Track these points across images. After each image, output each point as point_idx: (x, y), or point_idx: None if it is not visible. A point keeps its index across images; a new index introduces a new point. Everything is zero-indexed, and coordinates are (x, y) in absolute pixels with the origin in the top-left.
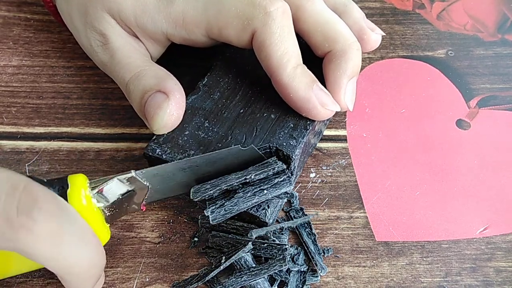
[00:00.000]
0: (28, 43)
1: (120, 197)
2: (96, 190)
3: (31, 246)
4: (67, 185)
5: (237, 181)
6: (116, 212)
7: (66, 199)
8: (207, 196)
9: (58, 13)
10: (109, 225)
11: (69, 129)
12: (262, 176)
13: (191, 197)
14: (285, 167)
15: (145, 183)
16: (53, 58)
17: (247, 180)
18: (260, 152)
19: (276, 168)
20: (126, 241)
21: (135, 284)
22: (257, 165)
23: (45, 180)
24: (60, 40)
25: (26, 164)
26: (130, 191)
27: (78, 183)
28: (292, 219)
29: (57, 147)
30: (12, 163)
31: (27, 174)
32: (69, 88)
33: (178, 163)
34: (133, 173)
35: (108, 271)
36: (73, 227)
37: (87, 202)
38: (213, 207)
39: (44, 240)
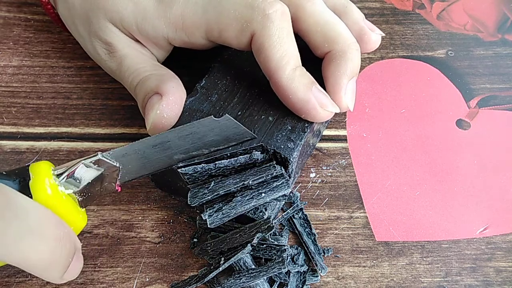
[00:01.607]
0: (28, 44)
1: (90, 181)
2: (63, 176)
3: None
4: (29, 175)
5: (235, 186)
6: (89, 196)
7: (28, 190)
8: (204, 201)
9: (60, 20)
10: (84, 209)
11: (69, 129)
12: (260, 180)
13: (188, 202)
14: (283, 171)
15: (115, 164)
16: (53, 58)
17: (245, 185)
18: (236, 121)
19: (274, 173)
20: (126, 241)
21: (135, 284)
22: (255, 169)
23: (4, 172)
24: (60, 40)
25: (26, 164)
26: (100, 174)
27: (41, 172)
28: (292, 219)
29: (57, 147)
30: (12, 163)
31: None
32: (69, 88)
33: (147, 140)
34: (99, 156)
35: (108, 271)
36: (22, 223)
37: (53, 190)
38: (211, 211)
39: None
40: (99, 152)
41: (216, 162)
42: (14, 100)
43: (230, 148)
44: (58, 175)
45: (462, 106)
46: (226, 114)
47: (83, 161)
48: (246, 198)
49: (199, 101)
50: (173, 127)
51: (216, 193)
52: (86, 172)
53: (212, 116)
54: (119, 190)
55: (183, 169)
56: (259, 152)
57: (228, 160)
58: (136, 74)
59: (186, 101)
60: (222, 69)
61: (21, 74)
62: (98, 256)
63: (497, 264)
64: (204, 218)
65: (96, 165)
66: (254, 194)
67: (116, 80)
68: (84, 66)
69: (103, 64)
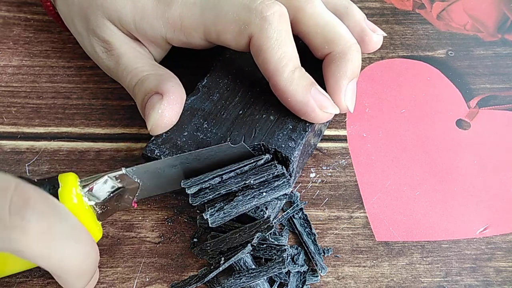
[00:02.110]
0: (28, 43)
1: (111, 194)
2: (87, 188)
3: (24, 245)
4: (58, 184)
5: (237, 185)
6: (107, 209)
7: (57, 198)
8: (206, 201)
9: (60, 18)
10: (101, 222)
11: (69, 129)
12: (261, 179)
13: (190, 202)
14: (284, 170)
15: (135, 180)
16: (53, 58)
17: (247, 184)
18: (250, 149)
19: (275, 172)
20: (126, 241)
21: (135, 284)
22: (257, 168)
23: (36, 180)
24: (60, 40)
25: (26, 164)
26: (120, 188)
27: (69, 182)
28: (292, 220)
29: (57, 147)
30: (12, 163)
31: (28, 174)
32: (69, 88)
33: (169, 159)
34: (123, 171)
35: (108, 271)
36: (65, 225)
37: (78, 200)
38: (212, 210)
39: (36, 239)
40: (123, 168)
41: (223, 174)
42: (14, 100)
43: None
44: (83, 186)
45: (462, 106)
46: (242, 143)
47: (108, 174)
48: (248, 198)
49: (200, 100)
50: (174, 126)
51: (217, 193)
52: (108, 186)
53: (230, 143)
54: (135, 206)
55: (190, 189)
56: (264, 155)
57: (234, 171)
58: (134, 74)
59: (187, 100)
60: (223, 68)
61: (21, 74)
62: None
63: (497, 264)
64: (205, 218)
65: (119, 180)
66: (255, 193)
67: (114, 78)
68: (84, 66)
69: (101, 63)
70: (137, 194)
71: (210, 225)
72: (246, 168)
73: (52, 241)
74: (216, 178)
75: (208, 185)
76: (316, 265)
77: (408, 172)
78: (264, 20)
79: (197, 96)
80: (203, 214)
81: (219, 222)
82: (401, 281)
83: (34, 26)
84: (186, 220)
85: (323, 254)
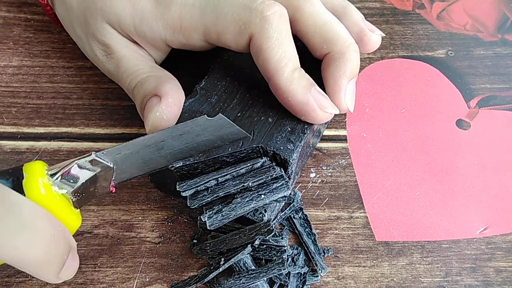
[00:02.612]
0: (28, 44)
1: (84, 181)
2: (57, 176)
3: None
4: (22, 175)
5: (235, 188)
6: (83, 196)
7: (22, 190)
8: (204, 203)
9: (58, 20)
10: (79, 209)
11: (69, 129)
12: (260, 181)
13: (188, 204)
14: (283, 173)
15: (108, 164)
16: (53, 58)
17: (245, 186)
18: (229, 120)
19: (274, 174)
20: (126, 241)
21: (135, 284)
22: (255, 170)
23: None
24: (60, 41)
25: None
26: (94, 173)
27: (35, 172)
28: (292, 220)
29: (57, 147)
30: (12, 163)
31: None
32: (69, 88)
33: (141, 139)
34: (93, 155)
35: (108, 271)
36: (15, 218)
37: (46, 190)
38: (210, 213)
39: None
40: (93, 152)
41: (218, 177)
42: (14, 100)
43: (228, 149)
44: (52, 175)
45: (462, 106)
46: (220, 114)
47: (77, 161)
48: (246, 200)
49: (198, 102)
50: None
51: (216, 195)
52: (80, 172)
53: (206, 115)
54: (113, 191)
55: (186, 192)
56: (262, 159)
57: (230, 174)
58: (134, 76)
59: (185, 102)
60: (221, 70)
61: (21, 74)
62: (98, 256)
63: (497, 264)
64: (203, 220)
65: (90, 165)
66: (253, 195)
67: (114, 81)
68: (84, 66)
69: (101, 66)
70: (113, 178)
71: (208, 228)
72: (242, 171)
73: (1, 236)
74: (212, 181)
75: (204, 187)
76: (316, 265)
77: (408, 172)
78: (264, 20)
79: (195, 98)
80: (201, 216)
81: (217, 224)
82: (401, 281)
83: (34, 27)
84: (186, 220)
85: (323, 254)
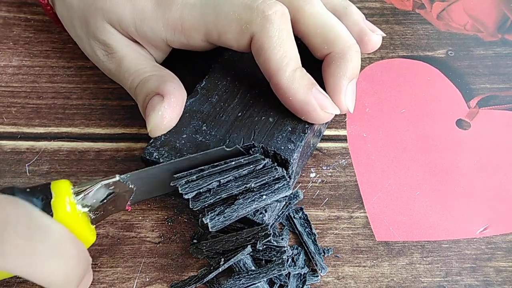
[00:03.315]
0: (28, 44)
1: (105, 200)
2: (81, 195)
3: (5, 264)
4: (51, 194)
5: (237, 189)
6: (102, 214)
7: (50, 208)
8: (206, 205)
9: (59, 20)
10: (94, 226)
11: (69, 129)
12: (262, 182)
13: (190, 206)
14: (284, 173)
15: (130, 186)
16: (53, 58)
17: (247, 188)
18: (244, 151)
19: (276, 175)
20: (126, 241)
21: (135, 284)
22: (257, 171)
23: (28, 190)
24: (60, 40)
25: (26, 164)
26: (114, 194)
27: (62, 191)
28: (292, 219)
29: (57, 147)
30: (12, 163)
31: (28, 174)
32: (69, 88)
33: (164, 165)
34: (117, 178)
35: (108, 271)
36: (47, 243)
37: (71, 209)
38: (212, 214)
39: (17, 259)
40: (117, 174)
41: (221, 179)
42: (14, 100)
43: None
44: (77, 193)
45: (462, 106)
46: (237, 146)
47: (102, 182)
48: (248, 201)
49: (199, 102)
50: (173, 128)
51: (218, 196)
52: (102, 193)
53: (224, 147)
54: (129, 209)
55: (188, 194)
56: (264, 160)
57: (232, 175)
58: (136, 75)
59: (186, 102)
60: (222, 70)
61: (21, 74)
62: (98, 256)
63: (497, 264)
64: (205, 222)
65: (113, 187)
66: (255, 196)
67: (115, 81)
68: (84, 66)
69: (102, 65)
70: (131, 199)
71: (210, 229)
72: (244, 172)
73: (32, 260)
74: (214, 183)
75: (206, 189)
76: (316, 265)
77: (408, 172)
78: (265, 19)
79: (195, 98)
80: (203, 218)
81: (219, 226)
82: (401, 281)
83: (34, 26)
84: (186, 220)
85: (323, 254)
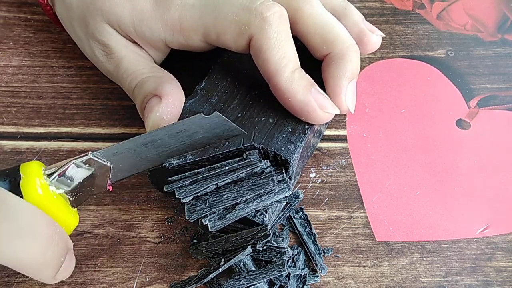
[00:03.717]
0: (28, 43)
1: (81, 180)
2: (54, 176)
3: None
4: (19, 176)
5: (234, 201)
6: (81, 195)
7: (19, 190)
8: (202, 217)
9: (58, 20)
10: (76, 208)
11: (69, 129)
12: (263, 190)
13: (186, 218)
14: (285, 176)
15: (105, 163)
16: (53, 58)
17: (245, 199)
18: (224, 118)
19: (276, 179)
20: (126, 241)
21: (135, 284)
22: (256, 177)
23: None
24: (60, 40)
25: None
26: (90, 173)
27: (32, 172)
28: (292, 220)
29: (57, 147)
30: (12, 163)
31: None
32: (69, 88)
33: (138, 138)
34: (90, 155)
35: (108, 271)
36: (13, 222)
37: (44, 190)
38: (212, 216)
39: None
40: (89, 152)
41: (218, 182)
42: (14, 100)
43: (221, 146)
44: (49, 175)
45: (462, 106)
46: (216, 111)
47: (73, 161)
48: (248, 204)
49: (199, 103)
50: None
51: (214, 209)
52: (77, 172)
53: (202, 113)
54: (111, 189)
55: (186, 198)
56: (260, 163)
57: (230, 178)
58: (134, 76)
59: (186, 103)
60: (221, 71)
61: (21, 74)
62: (98, 256)
63: (497, 264)
64: (205, 224)
65: (87, 165)
66: (256, 198)
67: (114, 81)
68: (84, 66)
69: (101, 66)
70: (110, 177)
71: (210, 230)
72: (242, 175)
73: (0, 240)
74: (211, 186)
75: (204, 193)
76: (316, 265)
77: (408, 172)
78: (264, 21)
79: (195, 99)
80: (203, 220)
81: (219, 226)
82: (401, 281)
83: (34, 26)
84: (186, 220)
85: (323, 254)
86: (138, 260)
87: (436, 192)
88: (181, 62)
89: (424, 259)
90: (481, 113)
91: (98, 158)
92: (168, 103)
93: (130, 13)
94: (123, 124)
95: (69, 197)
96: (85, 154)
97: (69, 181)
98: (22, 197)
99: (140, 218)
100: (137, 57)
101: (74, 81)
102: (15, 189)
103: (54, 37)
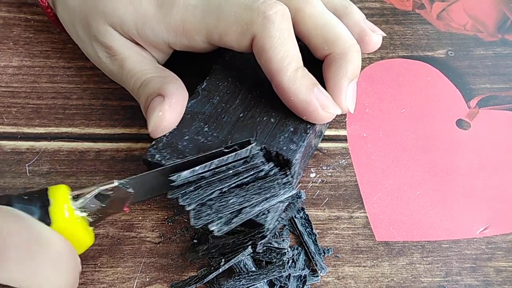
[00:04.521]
0: (28, 44)
1: (103, 204)
2: (79, 201)
3: (6, 278)
4: (48, 200)
5: (240, 206)
6: (99, 217)
7: (48, 215)
8: (208, 223)
9: (59, 22)
10: (92, 228)
11: (69, 129)
12: (269, 194)
13: (191, 224)
14: (291, 179)
15: (130, 190)
16: (53, 58)
17: (251, 203)
18: (238, 148)
19: (281, 182)
20: (126, 241)
21: (135, 284)
22: (259, 183)
23: (26, 197)
24: (60, 41)
25: (26, 165)
26: (113, 198)
27: (60, 197)
28: (293, 219)
29: (57, 147)
30: (13, 164)
31: (28, 174)
32: (69, 88)
33: (164, 169)
34: (116, 183)
35: (108, 271)
36: (46, 254)
37: (70, 214)
38: (219, 221)
39: (17, 272)
40: (115, 180)
41: (223, 188)
42: (14, 100)
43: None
44: (75, 198)
45: (462, 106)
46: (235, 147)
47: (100, 187)
48: (254, 208)
49: (200, 103)
50: (175, 129)
51: (220, 214)
52: (101, 197)
53: (224, 148)
54: (128, 211)
55: (191, 205)
56: (264, 165)
57: (234, 181)
58: (138, 76)
59: (187, 103)
60: (223, 71)
61: (21, 74)
62: (98, 256)
63: (497, 264)
64: (211, 229)
65: (111, 192)
66: (259, 201)
67: (118, 82)
68: (84, 66)
69: (104, 67)
70: (129, 201)
71: (215, 234)
72: (247, 179)
73: (31, 271)
74: (216, 192)
75: (208, 199)
76: (316, 265)
77: (408, 172)
78: (266, 20)
79: (197, 99)
80: (209, 226)
81: (224, 230)
82: (401, 281)
83: (34, 27)
84: (186, 220)
85: (323, 254)
86: (138, 260)
87: (436, 192)
88: (183, 63)
89: (424, 259)
90: (481, 113)
91: (124, 186)
92: (171, 102)
93: (133, 16)
94: (123, 124)
95: (89, 219)
96: (110, 182)
97: (92, 205)
98: (50, 221)
99: (140, 218)
100: (141, 58)
101: (74, 82)
102: (45, 214)
103: (54, 37)
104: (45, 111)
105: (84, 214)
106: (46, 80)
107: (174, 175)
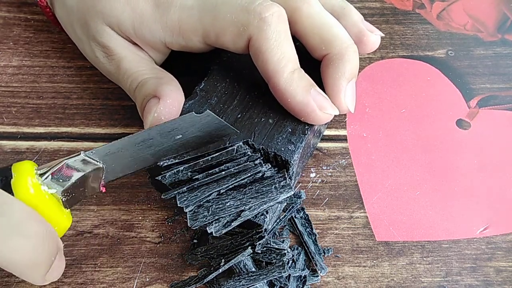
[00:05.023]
0: (28, 44)
1: (74, 180)
2: (46, 176)
3: None
4: (11, 174)
5: (237, 210)
6: (73, 196)
7: (10, 189)
8: (205, 224)
9: (58, 22)
10: (69, 210)
11: (69, 129)
12: (267, 198)
13: (189, 225)
14: (289, 182)
15: (98, 163)
16: (53, 58)
17: (249, 206)
18: (216, 117)
19: (280, 184)
20: (126, 241)
21: (135, 284)
22: (257, 186)
23: None
24: (60, 40)
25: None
26: (84, 174)
27: (24, 171)
28: (293, 219)
29: (57, 147)
30: (12, 163)
31: None
32: (69, 88)
33: (130, 137)
34: (82, 155)
35: (108, 271)
36: (5, 219)
37: (35, 190)
38: (217, 224)
39: None
40: (82, 151)
41: (220, 189)
42: (14, 100)
43: (214, 151)
44: (41, 175)
45: (462, 106)
46: (207, 110)
47: (66, 160)
48: (253, 211)
49: (198, 104)
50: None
51: (216, 216)
52: (69, 172)
53: (193, 112)
54: (104, 190)
55: (188, 207)
56: (261, 167)
57: (231, 182)
58: (134, 77)
59: (185, 104)
60: (221, 72)
61: (21, 74)
62: (98, 256)
63: (497, 264)
64: (209, 231)
65: (80, 165)
66: (258, 202)
67: (115, 82)
68: (84, 66)
69: (102, 67)
70: (103, 178)
71: (214, 234)
72: (245, 181)
73: None
74: (213, 193)
75: (206, 200)
76: (316, 265)
77: (408, 172)
78: (263, 21)
79: (195, 100)
80: (207, 228)
81: (222, 231)
82: (401, 281)
83: (34, 26)
84: (186, 220)
85: (323, 254)
86: (138, 260)
87: (436, 192)
88: (180, 63)
89: (424, 259)
90: (481, 113)
91: (91, 158)
92: (166, 103)
93: (130, 16)
94: (123, 124)
95: (62, 198)
96: (77, 154)
97: (61, 181)
98: (12, 194)
99: (140, 218)
100: (138, 58)
101: (74, 81)
102: (6, 188)
103: (54, 37)
104: (45, 111)
105: (53, 191)
106: (46, 80)
107: (162, 160)
